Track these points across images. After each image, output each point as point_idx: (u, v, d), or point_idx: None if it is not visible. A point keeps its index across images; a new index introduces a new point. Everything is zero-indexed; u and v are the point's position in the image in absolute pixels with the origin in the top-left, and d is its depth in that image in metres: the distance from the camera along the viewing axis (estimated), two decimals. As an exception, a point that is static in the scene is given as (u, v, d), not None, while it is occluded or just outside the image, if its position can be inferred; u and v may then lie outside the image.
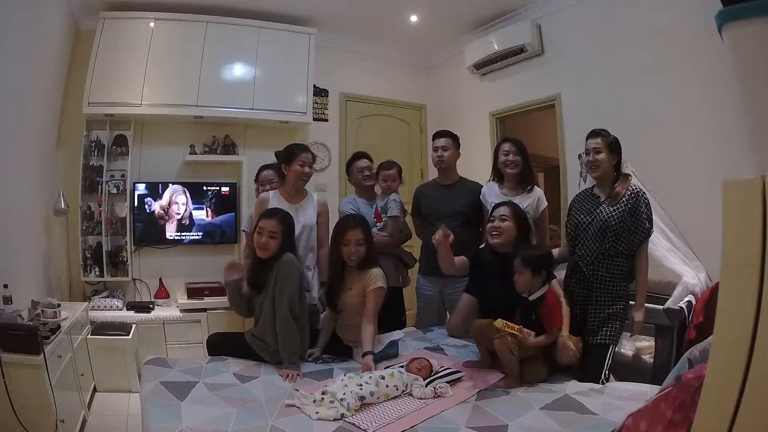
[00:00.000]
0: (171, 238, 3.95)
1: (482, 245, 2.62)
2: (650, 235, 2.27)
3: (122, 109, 3.68)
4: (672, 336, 2.53)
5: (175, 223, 3.96)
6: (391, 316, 2.79)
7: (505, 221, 2.37)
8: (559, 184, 3.85)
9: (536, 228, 2.67)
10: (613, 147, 2.29)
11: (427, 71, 5.24)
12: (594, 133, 2.33)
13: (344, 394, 1.78)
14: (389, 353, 2.35)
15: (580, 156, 3.21)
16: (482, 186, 2.91)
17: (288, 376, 2.10)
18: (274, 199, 2.67)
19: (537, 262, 2.17)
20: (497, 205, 2.48)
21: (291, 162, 2.64)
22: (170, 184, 3.94)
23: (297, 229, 2.55)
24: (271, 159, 2.95)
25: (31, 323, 2.25)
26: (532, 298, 2.18)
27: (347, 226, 2.45)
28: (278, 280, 2.25)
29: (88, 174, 3.72)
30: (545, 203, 2.74)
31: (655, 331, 2.59)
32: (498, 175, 2.80)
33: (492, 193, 2.78)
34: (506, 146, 2.74)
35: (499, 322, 2.02)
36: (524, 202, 2.65)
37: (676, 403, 1.17)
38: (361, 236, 2.41)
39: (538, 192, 2.74)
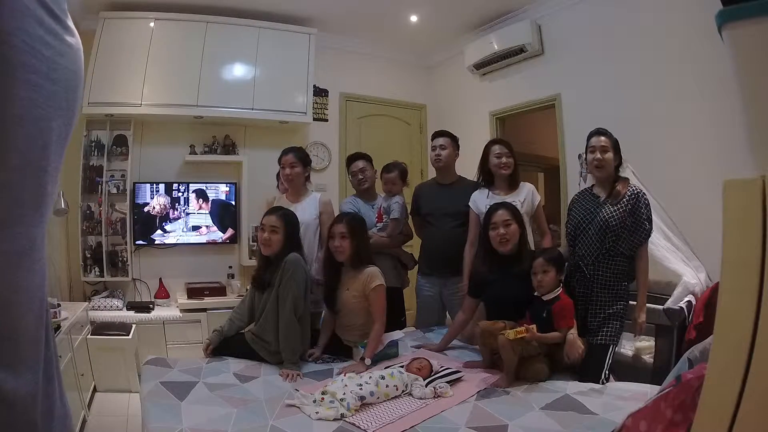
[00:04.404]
0: (171, 238, 3.95)
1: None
2: (650, 236, 2.27)
3: (122, 109, 3.68)
4: (672, 336, 2.53)
5: (175, 223, 3.96)
6: (390, 317, 2.77)
7: (509, 225, 2.34)
8: (559, 184, 3.85)
9: (536, 222, 2.68)
10: (617, 147, 2.30)
11: (427, 71, 5.24)
12: (599, 132, 2.31)
13: (344, 394, 1.78)
14: (389, 353, 2.35)
15: (580, 156, 3.21)
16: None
17: (288, 376, 2.10)
18: (280, 200, 2.78)
19: (559, 260, 2.22)
20: (495, 208, 2.42)
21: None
22: (170, 184, 3.94)
23: None
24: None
25: (31, 323, 2.25)
26: (547, 297, 2.19)
27: (334, 221, 2.50)
28: (284, 280, 2.25)
29: (88, 174, 3.71)
30: (539, 196, 2.75)
31: (655, 331, 2.59)
32: (487, 177, 2.77)
33: (483, 198, 2.73)
34: (497, 148, 2.73)
35: (512, 334, 2.00)
36: (519, 197, 2.65)
37: (676, 403, 1.17)
38: (344, 229, 2.41)
39: (529, 186, 2.74)
